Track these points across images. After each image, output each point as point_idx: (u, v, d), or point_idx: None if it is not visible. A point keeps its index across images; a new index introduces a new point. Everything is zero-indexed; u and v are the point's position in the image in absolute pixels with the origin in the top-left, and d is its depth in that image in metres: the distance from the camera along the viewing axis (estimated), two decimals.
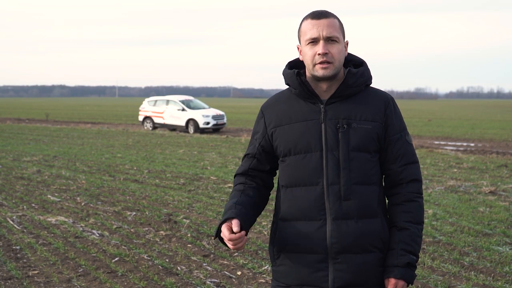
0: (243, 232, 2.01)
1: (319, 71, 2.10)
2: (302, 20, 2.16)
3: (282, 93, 2.28)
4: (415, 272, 2.14)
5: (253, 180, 2.28)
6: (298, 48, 2.21)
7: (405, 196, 2.16)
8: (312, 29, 2.09)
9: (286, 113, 2.19)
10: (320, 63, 2.08)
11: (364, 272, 2.10)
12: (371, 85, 2.23)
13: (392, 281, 2.10)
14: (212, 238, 6.40)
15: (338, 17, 2.16)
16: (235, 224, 2.02)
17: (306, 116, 2.15)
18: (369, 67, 2.21)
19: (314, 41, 2.09)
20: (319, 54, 2.07)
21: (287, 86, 2.25)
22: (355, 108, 2.13)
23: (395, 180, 2.18)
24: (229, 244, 2.01)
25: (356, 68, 2.18)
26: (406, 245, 2.11)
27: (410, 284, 2.13)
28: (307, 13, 2.17)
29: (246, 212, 2.14)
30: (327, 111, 2.13)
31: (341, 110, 2.13)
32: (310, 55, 2.10)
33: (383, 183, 2.23)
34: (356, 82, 2.14)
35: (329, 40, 2.08)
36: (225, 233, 2.02)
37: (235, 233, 2.00)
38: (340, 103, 2.14)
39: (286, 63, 2.27)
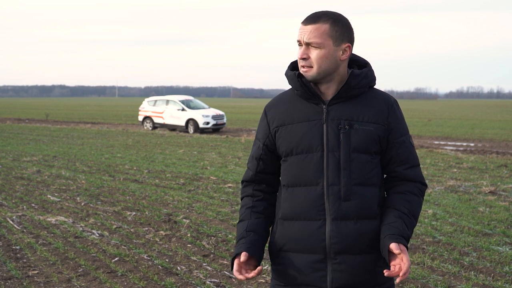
0: (252, 274, 2.06)
1: (302, 73, 2.15)
2: None
3: (285, 93, 2.28)
4: None
5: (261, 189, 2.28)
6: None
7: (409, 188, 2.16)
8: (299, 32, 2.14)
9: (289, 113, 2.20)
10: (302, 66, 2.14)
11: (363, 272, 2.10)
12: (374, 87, 2.23)
13: (402, 246, 1.98)
14: (212, 238, 6.41)
15: (340, 19, 2.13)
16: (243, 256, 2.08)
17: (309, 116, 2.15)
18: (372, 68, 2.21)
19: (299, 44, 2.14)
20: (299, 58, 2.13)
21: (290, 86, 2.26)
22: (358, 109, 2.13)
23: (401, 179, 2.19)
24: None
25: (360, 69, 2.19)
26: (404, 225, 2.06)
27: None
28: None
29: (257, 238, 2.18)
30: (329, 112, 2.13)
31: (343, 111, 2.13)
32: (298, 57, 2.16)
33: (387, 182, 2.23)
34: (359, 83, 2.14)
35: (309, 45, 2.11)
36: (235, 268, 2.09)
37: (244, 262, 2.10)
38: (342, 104, 2.14)
39: (289, 64, 2.27)
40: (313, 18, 2.11)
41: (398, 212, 2.10)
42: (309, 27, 2.10)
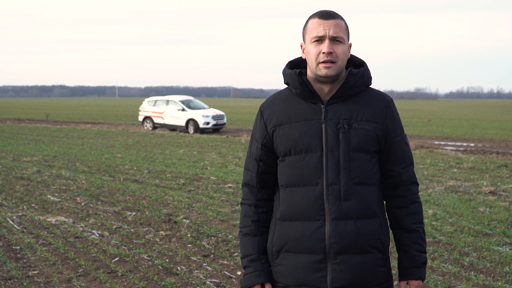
0: None
1: (322, 70, 2.09)
2: (309, 18, 2.15)
3: (280, 92, 2.27)
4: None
5: (264, 198, 2.26)
6: (301, 46, 2.21)
7: (410, 199, 2.22)
8: (319, 27, 2.09)
9: (286, 112, 2.18)
10: (324, 62, 2.08)
11: (363, 272, 2.10)
12: (370, 86, 2.23)
13: (414, 283, 2.18)
14: (212, 238, 6.40)
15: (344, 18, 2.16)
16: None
17: (307, 116, 2.14)
18: (368, 67, 2.22)
19: (319, 40, 2.09)
20: (323, 52, 2.08)
21: (286, 86, 2.25)
22: (356, 109, 2.13)
23: (397, 182, 2.21)
24: None
25: (356, 69, 2.19)
26: (418, 245, 2.19)
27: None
28: (313, 12, 2.16)
29: (268, 262, 2.24)
30: (328, 111, 2.13)
31: (342, 111, 2.13)
32: (314, 53, 2.10)
33: (383, 184, 2.24)
34: (357, 82, 2.14)
35: (335, 40, 2.09)
36: None
37: None
38: (341, 104, 2.14)
39: (287, 62, 2.26)
40: (331, 14, 2.11)
41: (411, 235, 2.20)
42: (332, 22, 2.09)
